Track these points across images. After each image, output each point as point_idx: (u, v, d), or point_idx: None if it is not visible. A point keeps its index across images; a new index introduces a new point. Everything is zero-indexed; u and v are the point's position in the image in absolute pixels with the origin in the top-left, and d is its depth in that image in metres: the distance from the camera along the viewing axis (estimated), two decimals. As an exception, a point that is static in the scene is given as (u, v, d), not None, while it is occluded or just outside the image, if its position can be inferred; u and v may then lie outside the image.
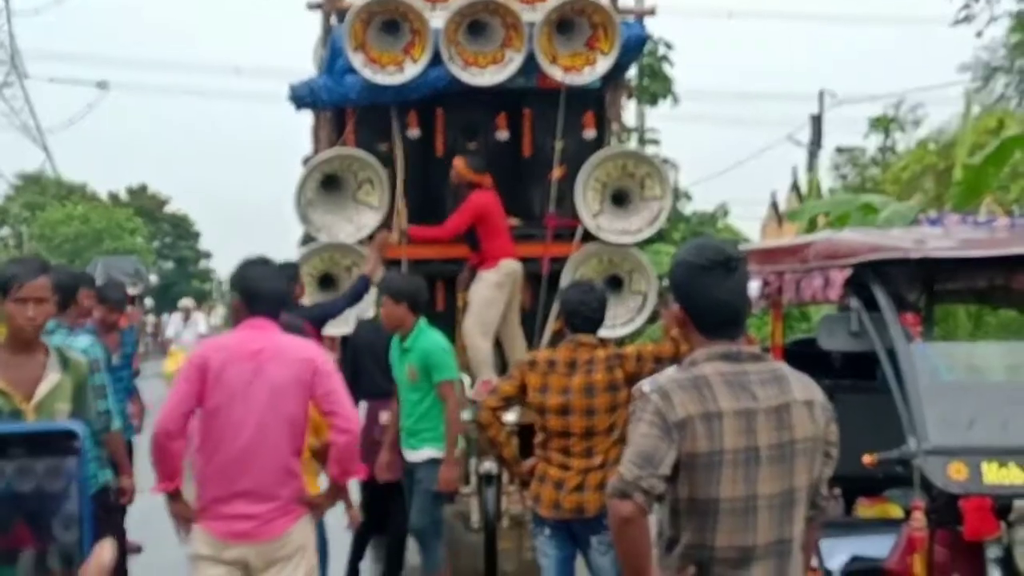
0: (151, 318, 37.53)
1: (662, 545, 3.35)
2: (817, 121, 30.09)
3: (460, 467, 7.62)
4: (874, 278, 5.12)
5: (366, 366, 8.10)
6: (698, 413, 3.22)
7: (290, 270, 8.06)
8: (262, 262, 5.22)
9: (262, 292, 5.05)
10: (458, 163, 9.10)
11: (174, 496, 5.03)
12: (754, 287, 5.85)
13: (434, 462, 7.24)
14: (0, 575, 0.93)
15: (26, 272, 4.59)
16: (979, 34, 33.70)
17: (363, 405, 7.84)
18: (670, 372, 3.43)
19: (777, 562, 3.29)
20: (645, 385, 3.39)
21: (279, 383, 4.90)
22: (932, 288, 6.40)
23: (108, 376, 6.74)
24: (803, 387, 3.39)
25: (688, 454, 3.21)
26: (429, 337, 7.27)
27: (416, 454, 7.31)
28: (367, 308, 8.78)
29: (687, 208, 24.92)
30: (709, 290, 3.32)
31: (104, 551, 0.93)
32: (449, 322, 8.90)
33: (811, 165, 28.44)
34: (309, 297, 9.15)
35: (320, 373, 4.97)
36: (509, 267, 9.03)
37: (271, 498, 4.93)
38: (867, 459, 4.89)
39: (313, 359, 4.99)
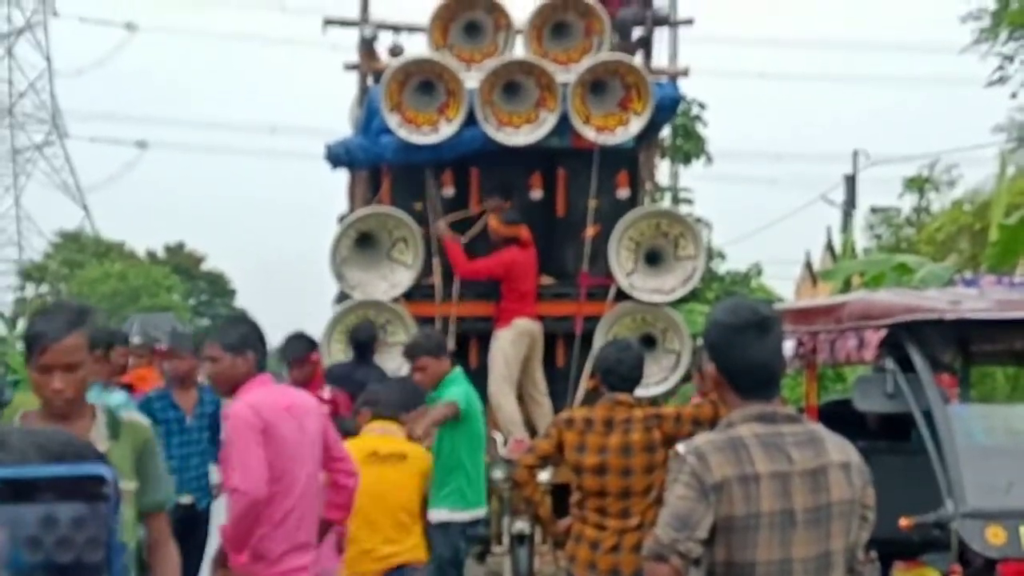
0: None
1: None
2: (851, 181, 30.02)
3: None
4: (910, 339, 5.10)
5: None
6: (735, 475, 3.20)
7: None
8: (249, 321, 5.22)
9: (266, 348, 5.12)
10: (491, 222, 9.16)
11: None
12: (788, 347, 5.83)
13: (445, 526, 7.09)
14: None
15: (53, 329, 3.57)
16: (1014, 95, 33.61)
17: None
18: (706, 433, 3.41)
19: None
20: (681, 447, 3.37)
21: (314, 435, 5.03)
22: (968, 349, 6.36)
23: (178, 438, 6.65)
24: (839, 449, 3.36)
25: (725, 517, 3.19)
26: (455, 383, 7.23)
27: (438, 513, 7.09)
28: (401, 366, 8.79)
29: (721, 268, 24.83)
30: (744, 350, 3.31)
31: None
32: (483, 379, 8.90)
33: (845, 225, 28.34)
34: (343, 353, 9.19)
35: (328, 421, 5.21)
36: (523, 326, 9.08)
37: (314, 547, 5.02)
38: (903, 522, 4.85)
39: (321, 409, 5.12)
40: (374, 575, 6.13)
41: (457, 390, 7.16)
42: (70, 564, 0.94)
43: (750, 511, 3.19)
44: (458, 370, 7.32)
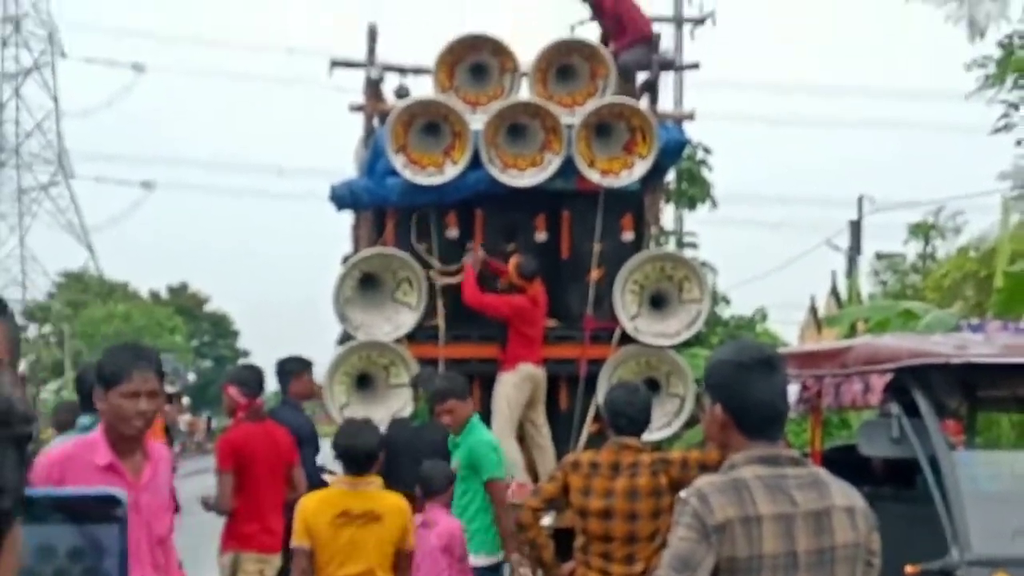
0: (188, 416, 37.61)
1: None
2: (856, 226, 30.04)
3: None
4: (915, 383, 5.07)
5: (402, 466, 8.03)
6: (737, 517, 3.18)
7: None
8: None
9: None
10: (511, 265, 9.16)
11: None
12: (793, 391, 5.80)
13: (478, 572, 7.03)
14: None
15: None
16: (1019, 142, 33.65)
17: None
18: (709, 476, 3.39)
19: None
20: (684, 491, 3.35)
21: None
22: (974, 395, 6.32)
23: None
24: (843, 493, 3.34)
25: (728, 559, 3.16)
26: (478, 433, 7.19)
27: None
28: (404, 406, 8.75)
29: (725, 312, 24.80)
30: (751, 389, 3.29)
31: None
32: (485, 421, 8.85)
33: (850, 271, 28.32)
34: (345, 395, 9.16)
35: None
36: (527, 371, 9.06)
37: None
38: (909, 570, 4.80)
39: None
40: None
41: (495, 458, 7.14)
42: None
43: (752, 552, 3.17)
44: (476, 417, 7.33)
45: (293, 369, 8.43)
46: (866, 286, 30.58)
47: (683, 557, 3.17)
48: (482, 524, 7.09)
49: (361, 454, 5.97)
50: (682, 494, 3.32)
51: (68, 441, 4.87)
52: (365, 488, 5.97)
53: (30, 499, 0.91)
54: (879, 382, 5.13)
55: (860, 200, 30.95)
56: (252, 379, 7.77)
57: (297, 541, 5.92)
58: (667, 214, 18.66)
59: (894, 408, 5.13)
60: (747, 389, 3.29)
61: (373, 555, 5.92)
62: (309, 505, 6.02)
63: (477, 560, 7.09)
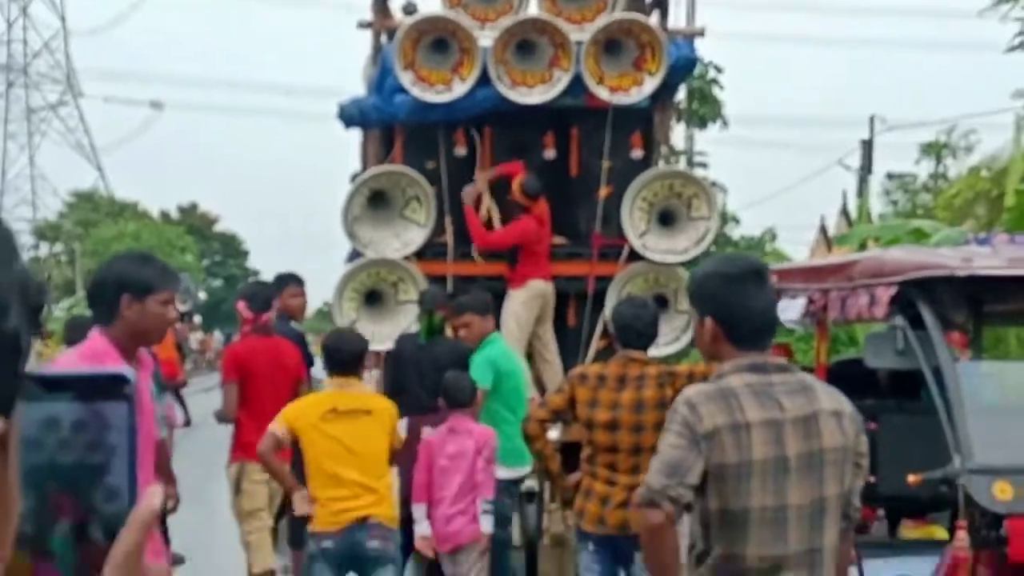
0: (199, 335, 37.81)
1: (692, 558, 3.36)
2: (868, 146, 29.89)
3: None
4: (920, 296, 5.08)
5: (409, 382, 8.11)
6: (726, 424, 3.24)
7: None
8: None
9: None
10: (515, 184, 9.15)
11: None
12: (799, 305, 5.83)
13: (501, 483, 7.19)
14: (54, 544, 0.95)
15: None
16: (1033, 60, 33.31)
17: (404, 422, 7.85)
18: (698, 384, 3.45)
19: (808, 572, 3.30)
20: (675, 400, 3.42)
21: None
22: (980, 309, 6.34)
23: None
24: (830, 398, 3.39)
25: (717, 465, 3.23)
26: (494, 345, 7.44)
27: None
28: (412, 323, 8.81)
29: (735, 232, 24.82)
30: (744, 299, 3.34)
31: (153, 496, 0.94)
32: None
33: (861, 191, 28.22)
34: (355, 312, 9.22)
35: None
36: (536, 287, 9.08)
37: None
38: (911, 479, 4.86)
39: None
40: (338, 526, 6.10)
41: (482, 359, 7.26)
42: (71, 465, 0.96)
43: (742, 459, 3.23)
44: (496, 334, 7.43)
45: (280, 284, 8.67)
46: (877, 206, 30.47)
47: (672, 463, 3.24)
48: (504, 437, 7.19)
49: (347, 354, 6.20)
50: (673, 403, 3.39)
51: (71, 352, 4.95)
52: (352, 388, 6.22)
53: (37, 377, 0.95)
54: (885, 295, 5.14)
55: (872, 120, 30.76)
56: (260, 294, 7.93)
57: (275, 426, 6.11)
58: (678, 133, 18.56)
59: (899, 320, 5.15)
60: (738, 300, 3.34)
61: (371, 445, 6.11)
62: (298, 404, 6.31)
63: (500, 473, 7.21)
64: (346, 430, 6.06)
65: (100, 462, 0.96)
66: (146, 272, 4.33)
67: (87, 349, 4.29)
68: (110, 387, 0.96)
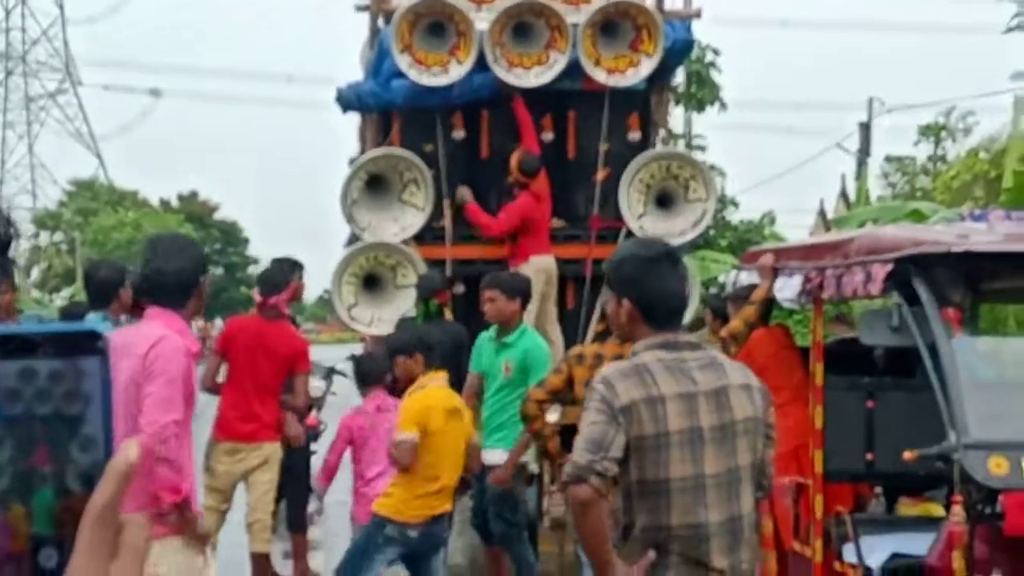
0: (200, 322, 37.83)
1: (618, 533, 3.47)
2: (866, 129, 29.87)
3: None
4: (916, 273, 5.08)
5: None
6: (641, 398, 3.38)
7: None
8: None
9: None
10: (513, 161, 9.14)
11: None
12: (795, 283, 5.83)
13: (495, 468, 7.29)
14: (42, 496, 0.97)
15: None
16: (1032, 42, 33.26)
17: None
18: (613, 363, 3.62)
19: (731, 540, 3.43)
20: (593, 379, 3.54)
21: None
22: (976, 286, 6.34)
23: None
24: (739, 373, 3.56)
25: (636, 437, 3.38)
26: (533, 338, 7.50)
27: (492, 455, 7.31)
28: (411, 307, 8.81)
29: (734, 216, 24.77)
30: (660, 281, 3.53)
31: (130, 448, 0.95)
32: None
33: (860, 173, 28.21)
34: (354, 296, 9.23)
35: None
36: (540, 263, 9.06)
37: None
38: (907, 455, 4.86)
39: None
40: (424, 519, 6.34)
41: (546, 362, 7.37)
42: (48, 415, 0.97)
43: (659, 430, 3.38)
44: (525, 323, 7.60)
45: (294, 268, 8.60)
46: (875, 189, 30.41)
47: (595, 439, 3.36)
48: (516, 425, 7.21)
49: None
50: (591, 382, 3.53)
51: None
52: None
53: (9, 336, 0.96)
54: (880, 272, 5.13)
55: (870, 102, 30.72)
56: (268, 279, 7.98)
57: (405, 434, 6.27)
58: (676, 117, 18.54)
59: (895, 297, 5.16)
60: (657, 281, 3.51)
61: (461, 446, 6.50)
62: (421, 404, 6.39)
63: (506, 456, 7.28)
64: (454, 428, 6.42)
65: (77, 412, 0.97)
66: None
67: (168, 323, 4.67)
68: (84, 342, 0.97)
